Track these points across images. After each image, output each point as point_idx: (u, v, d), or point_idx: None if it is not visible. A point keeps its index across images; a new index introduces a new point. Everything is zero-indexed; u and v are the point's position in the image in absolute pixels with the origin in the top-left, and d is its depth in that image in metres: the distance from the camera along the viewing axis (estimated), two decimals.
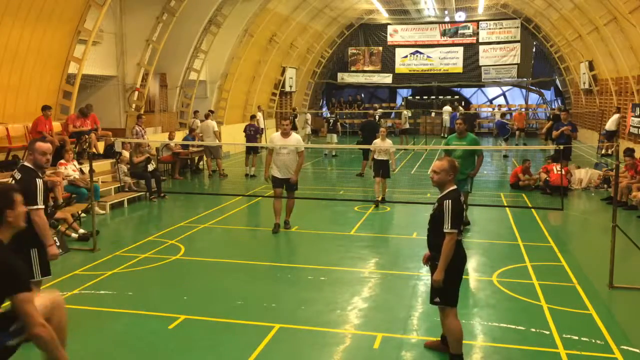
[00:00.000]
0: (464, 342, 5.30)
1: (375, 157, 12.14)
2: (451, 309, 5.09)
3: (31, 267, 5.31)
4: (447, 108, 29.65)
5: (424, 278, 7.30)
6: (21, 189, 4.61)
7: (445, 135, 29.31)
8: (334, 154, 22.04)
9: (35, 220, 5.20)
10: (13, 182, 5.52)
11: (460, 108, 29.91)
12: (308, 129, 23.83)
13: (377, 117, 24.09)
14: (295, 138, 9.97)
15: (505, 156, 21.29)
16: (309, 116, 24.82)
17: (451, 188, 5.05)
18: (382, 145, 12.10)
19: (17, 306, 2.89)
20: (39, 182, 5.34)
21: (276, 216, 9.96)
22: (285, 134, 9.77)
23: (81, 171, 11.74)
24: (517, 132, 24.52)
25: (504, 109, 29.03)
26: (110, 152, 13.96)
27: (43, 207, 5.34)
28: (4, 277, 2.87)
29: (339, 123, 21.67)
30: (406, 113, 25.55)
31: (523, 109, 29.75)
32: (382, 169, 12.09)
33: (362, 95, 34.35)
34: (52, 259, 5.50)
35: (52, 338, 2.87)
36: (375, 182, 12.27)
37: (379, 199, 12.04)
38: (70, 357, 5.43)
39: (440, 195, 5.10)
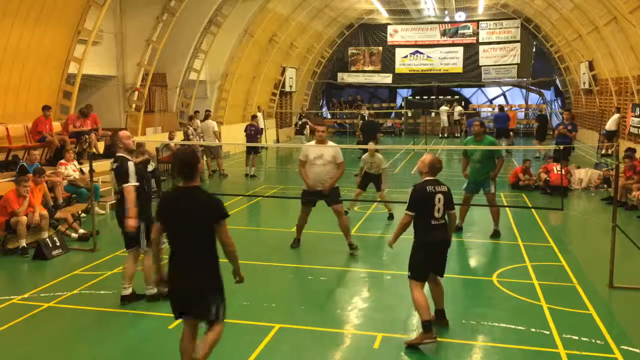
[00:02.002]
0: (464, 341, 5.29)
1: (366, 170, 10.86)
2: (414, 281, 5.65)
3: (139, 238, 6.50)
4: (444, 108, 29.69)
5: None
6: (117, 172, 6.52)
7: (446, 135, 29.40)
8: None
9: (125, 194, 6.37)
10: (114, 169, 6.69)
11: (460, 108, 29.94)
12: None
13: (366, 117, 24.07)
14: (332, 147, 8.71)
15: None
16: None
17: (424, 179, 5.76)
18: (371, 160, 10.76)
19: (220, 228, 4.47)
20: (131, 164, 6.49)
21: (298, 232, 9.12)
22: (320, 142, 8.65)
23: (81, 171, 11.74)
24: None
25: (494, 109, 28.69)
26: (110, 152, 13.95)
27: (136, 184, 6.44)
28: (217, 208, 4.42)
29: (308, 124, 21.16)
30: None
31: (514, 108, 29.37)
32: (373, 181, 10.89)
33: (360, 97, 34.30)
34: (127, 229, 6.38)
35: (236, 253, 4.70)
36: (355, 192, 11.19)
37: (349, 208, 10.95)
38: (70, 357, 5.46)
39: None
